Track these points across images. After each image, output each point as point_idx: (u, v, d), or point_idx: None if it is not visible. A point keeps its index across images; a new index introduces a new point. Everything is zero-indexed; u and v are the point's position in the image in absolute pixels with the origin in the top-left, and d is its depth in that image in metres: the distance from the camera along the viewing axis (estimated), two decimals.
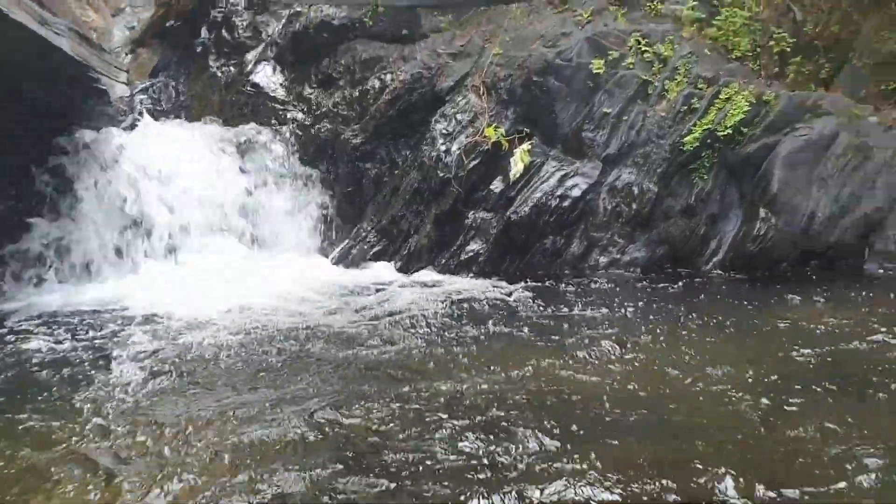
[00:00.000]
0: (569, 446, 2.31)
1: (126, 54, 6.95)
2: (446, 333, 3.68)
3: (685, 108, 4.83)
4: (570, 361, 3.14)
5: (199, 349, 3.51)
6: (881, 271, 4.43)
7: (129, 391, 2.98)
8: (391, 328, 3.79)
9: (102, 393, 2.98)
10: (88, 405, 2.83)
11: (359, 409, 2.67)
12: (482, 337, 3.60)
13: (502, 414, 2.59)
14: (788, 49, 5.27)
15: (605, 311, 3.97)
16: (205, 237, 5.17)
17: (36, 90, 4.83)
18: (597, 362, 3.14)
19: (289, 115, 6.12)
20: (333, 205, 5.73)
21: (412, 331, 3.74)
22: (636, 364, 3.11)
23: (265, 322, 3.91)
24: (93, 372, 3.24)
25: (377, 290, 4.62)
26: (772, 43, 5.28)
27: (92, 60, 5.04)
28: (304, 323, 3.89)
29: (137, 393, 2.96)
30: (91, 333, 3.86)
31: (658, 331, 3.54)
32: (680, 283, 4.52)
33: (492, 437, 2.39)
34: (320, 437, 2.45)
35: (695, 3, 5.21)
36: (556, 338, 3.52)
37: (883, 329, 3.37)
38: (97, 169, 5.17)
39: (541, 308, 4.10)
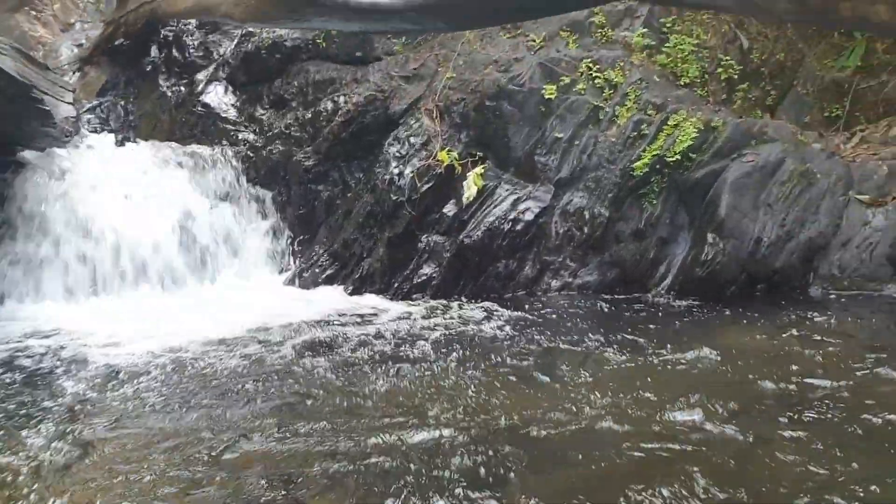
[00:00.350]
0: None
1: (73, 73, 6.80)
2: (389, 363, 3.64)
3: (635, 133, 4.89)
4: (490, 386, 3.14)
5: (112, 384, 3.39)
6: (826, 295, 4.52)
7: None
8: (329, 357, 3.74)
9: None
10: None
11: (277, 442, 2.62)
12: (419, 365, 3.56)
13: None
14: (735, 76, 5.40)
15: (549, 335, 3.98)
16: (147, 261, 5.04)
17: None
18: (521, 391, 3.15)
19: (240, 136, 6.05)
20: (285, 227, 5.67)
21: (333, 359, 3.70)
22: (564, 395, 3.11)
23: (197, 355, 3.77)
24: None
25: (325, 316, 4.55)
26: (719, 70, 5.40)
27: (37, 80, 4.91)
28: (240, 355, 3.77)
29: None
30: None
31: (593, 360, 3.56)
32: (630, 307, 4.55)
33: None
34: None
35: (644, 30, 5.30)
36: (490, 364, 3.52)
37: (819, 354, 3.46)
38: (39, 190, 5.02)
39: (487, 334, 4.10)
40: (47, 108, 4.67)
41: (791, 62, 5.57)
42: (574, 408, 2.91)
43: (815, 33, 5.58)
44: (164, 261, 5.11)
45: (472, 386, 3.23)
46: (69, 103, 5.27)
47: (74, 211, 4.95)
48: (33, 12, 12.61)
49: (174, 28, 6.57)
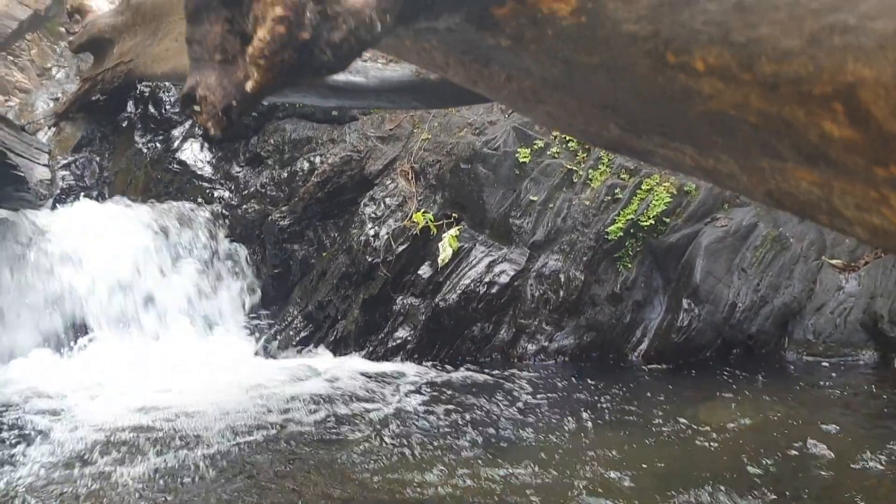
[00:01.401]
0: None
1: (49, 128, 6.76)
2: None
3: (609, 197, 4.91)
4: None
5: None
6: (801, 360, 4.53)
7: None
8: (294, 428, 3.66)
9: None
10: None
11: None
12: (385, 439, 3.50)
13: None
14: None
15: (522, 404, 3.94)
16: (116, 324, 4.95)
17: None
18: (489, 466, 3.09)
19: (216, 194, 6.02)
20: (259, 288, 5.62)
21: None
22: (533, 471, 3.06)
23: (154, 426, 3.68)
24: None
25: (296, 381, 4.48)
26: None
27: (12, 143, 4.87)
28: (196, 432, 3.67)
29: None
30: None
31: (568, 432, 3.52)
32: (606, 373, 4.53)
33: None
34: None
35: None
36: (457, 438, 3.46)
37: (797, 424, 3.44)
38: (7, 253, 4.94)
39: (460, 402, 4.04)
40: (22, 174, 4.62)
41: None
42: (544, 484, 2.85)
43: None
44: (128, 319, 5.03)
45: (437, 462, 3.17)
46: (44, 165, 5.23)
47: (35, 273, 4.87)
48: (10, 57, 12.60)
49: (151, 84, 6.56)
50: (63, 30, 13.26)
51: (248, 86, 1.15)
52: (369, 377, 4.55)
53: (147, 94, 6.63)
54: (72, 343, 4.82)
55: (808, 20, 0.75)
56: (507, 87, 1.48)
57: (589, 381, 4.42)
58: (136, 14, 5.81)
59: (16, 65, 12.70)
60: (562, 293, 4.88)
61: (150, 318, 5.08)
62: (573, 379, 4.47)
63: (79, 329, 4.90)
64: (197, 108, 1.20)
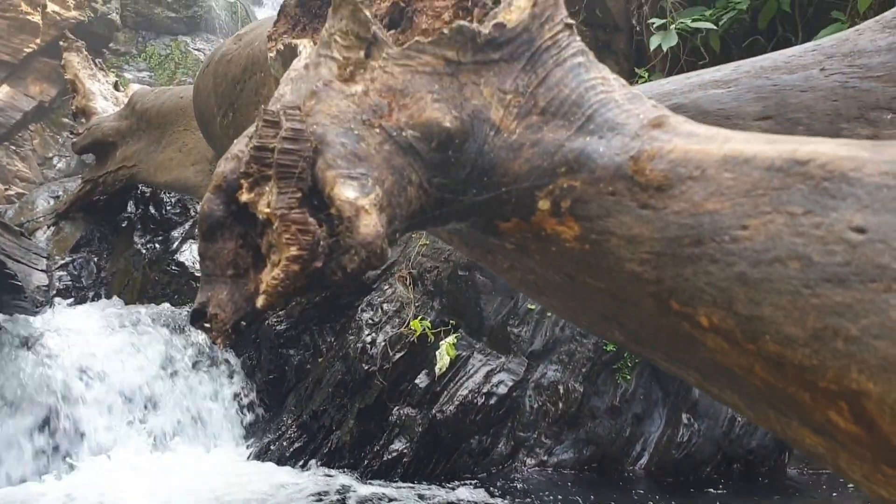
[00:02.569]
0: None
1: (48, 227, 6.82)
2: None
3: None
4: None
5: None
6: (802, 475, 4.46)
7: None
8: None
9: None
10: None
11: None
12: None
13: None
14: None
15: None
16: (104, 433, 4.87)
17: None
18: None
19: None
20: (254, 394, 5.55)
21: None
22: None
23: None
24: None
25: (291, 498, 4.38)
26: None
27: (11, 250, 4.90)
28: None
29: None
30: None
31: None
32: (606, 489, 4.44)
33: None
34: None
35: None
36: None
37: None
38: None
39: None
40: (19, 283, 4.63)
41: None
42: None
43: None
44: (116, 431, 4.95)
45: None
46: (42, 270, 5.25)
47: (25, 383, 4.82)
48: (12, 147, 12.82)
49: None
50: (66, 120, 13.56)
51: (259, 302, 1.16)
52: (359, 494, 4.46)
53: (148, 195, 6.72)
54: (65, 457, 4.73)
55: (811, 315, 0.77)
56: (511, 273, 1.50)
57: (590, 496, 4.33)
58: (141, 120, 5.94)
59: (17, 154, 12.92)
60: (561, 405, 4.83)
61: (144, 428, 5.00)
62: (573, 494, 4.38)
63: (72, 440, 4.81)
64: (207, 324, 1.21)
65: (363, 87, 1.21)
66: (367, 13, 1.24)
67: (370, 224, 1.10)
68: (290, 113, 1.16)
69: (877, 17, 2.85)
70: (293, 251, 1.05)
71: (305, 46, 1.51)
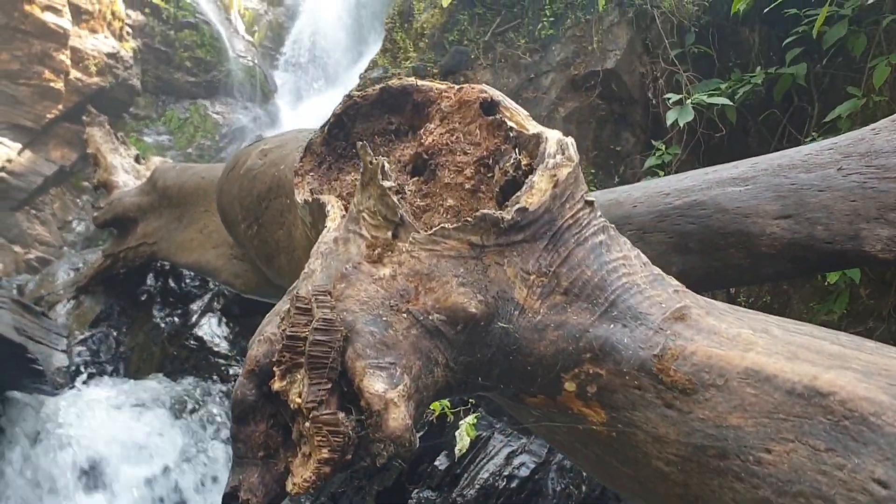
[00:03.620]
0: None
1: (68, 300, 6.89)
2: None
3: None
4: None
5: None
6: None
7: None
8: None
9: None
10: None
11: None
12: None
13: None
14: None
15: None
16: None
17: None
18: None
19: (231, 372, 6.03)
20: None
21: None
22: None
23: None
24: None
25: None
26: None
27: (32, 331, 4.96)
28: None
29: None
30: None
31: None
32: None
33: None
34: None
35: None
36: None
37: None
38: (18, 440, 4.92)
39: None
40: (40, 368, 4.67)
41: (778, 304, 5.69)
42: None
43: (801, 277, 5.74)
44: None
45: None
46: (62, 351, 5.30)
47: (38, 467, 4.83)
48: (33, 211, 13.06)
49: None
50: (86, 184, 13.82)
51: (289, 486, 1.18)
52: None
53: (168, 268, 6.79)
54: None
55: None
56: (537, 428, 1.51)
57: None
58: (163, 197, 6.03)
59: (38, 218, 13.16)
60: (584, 488, 4.76)
61: None
62: None
63: None
64: None
65: (391, 271, 1.24)
66: (395, 198, 1.28)
67: (398, 417, 1.12)
68: (321, 300, 1.19)
69: (892, 117, 2.88)
70: (325, 454, 1.07)
71: (332, 206, 1.55)
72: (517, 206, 1.25)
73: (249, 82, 13.89)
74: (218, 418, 5.64)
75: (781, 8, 5.30)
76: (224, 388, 5.87)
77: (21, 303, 5.15)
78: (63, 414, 5.12)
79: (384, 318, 1.20)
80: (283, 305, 1.30)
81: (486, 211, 1.23)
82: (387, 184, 1.29)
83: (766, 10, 5.48)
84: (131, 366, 6.24)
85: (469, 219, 1.23)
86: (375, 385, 1.13)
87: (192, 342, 6.26)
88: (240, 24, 14.53)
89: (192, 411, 5.60)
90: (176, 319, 6.50)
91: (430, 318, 1.22)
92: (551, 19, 6.04)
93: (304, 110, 13.68)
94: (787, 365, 0.92)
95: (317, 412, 1.11)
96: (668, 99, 5.57)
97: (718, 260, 3.07)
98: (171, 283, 6.71)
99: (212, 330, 6.33)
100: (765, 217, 2.98)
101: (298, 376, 1.20)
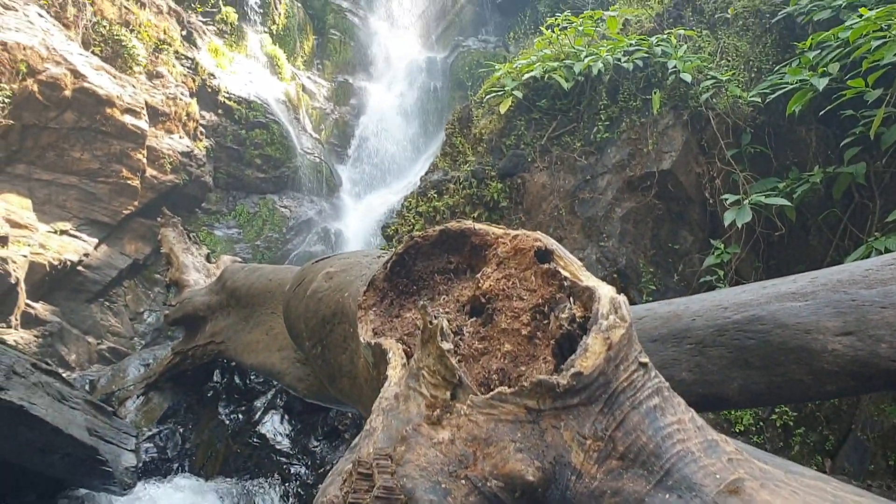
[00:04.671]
0: None
1: (138, 396, 7.09)
2: None
3: None
4: None
5: None
6: None
7: None
8: None
9: None
10: None
11: None
12: None
13: None
14: (791, 421, 5.33)
15: None
16: None
17: (35, 462, 4.83)
18: None
19: (292, 470, 6.07)
20: None
21: None
22: None
23: None
24: None
25: None
26: (774, 416, 5.35)
27: (103, 431, 5.11)
28: None
29: None
30: None
31: None
32: None
33: None
34: None
35: None
36: None
37: None
38: None
39: None
40: (110, 469, 4.79)
41: (847, 406, 5.50)
42: None
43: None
44: None
45: None
46: (131, 450, 5.42)
47: None
48: (107, 303, 13.55)
49: None
50: (158, 276, 14.32)
51: None
52: None
53: (234, 364, 6.95)
54: None
55: None
56: None
57: None
58: (231, 297, 6.24)
59: (111, 310, 13.65)
60: None
61: None
62: None
63: None
64: None
65: (450, 435, 1.29)
66: (453, 360, 1.34)
67: None
68: (381, 465, 1.25)
69: None
70: None
71: (394, 353, 1.62)
72: (572, 371, 1.29)
73: (316, 177, 14.41)
74: None
75: (838, 109, 5.33)
76: (284, 488, 5.89)
77: (94, 403, 5.33)
78: None
79: (443, 486, 1.24)
80: (345, 465, 1.36)
81: (542, 377, 1.27)
82: (445, 346, 1.36)
83: (821, 112, 5.50)
84: (196, 462, 6.34)
85: (525, 384, 1.28)
86: None
87: (255, 440, 6.33)
88: (308, 123, 15.18)
89: None
90: (240, 416, 6.61)
91: (488, 484, 1.25)
92: (606, 123, 6.16)
93: (368, 204, 14.07)
94: None
95: None
96: (726, 199, 5.58)
97: (780, 376, 3.02)
98: (237, 380, 6.85)
99: (274, 427, 6.40)
100: (826, 333, 2.94)
101: None
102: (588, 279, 1.52)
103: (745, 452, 1.22)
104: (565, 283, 1.55)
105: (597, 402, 1.29)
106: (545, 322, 1.59)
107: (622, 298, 1.41)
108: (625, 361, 1.33)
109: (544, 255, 1.66)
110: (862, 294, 2.97)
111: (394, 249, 1.98)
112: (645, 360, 1.34)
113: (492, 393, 1.30)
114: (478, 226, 1.88)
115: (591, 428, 1.27)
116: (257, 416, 6.53)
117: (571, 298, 1.52)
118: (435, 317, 1.40)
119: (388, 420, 1.37)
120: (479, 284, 1.71)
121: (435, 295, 1.90)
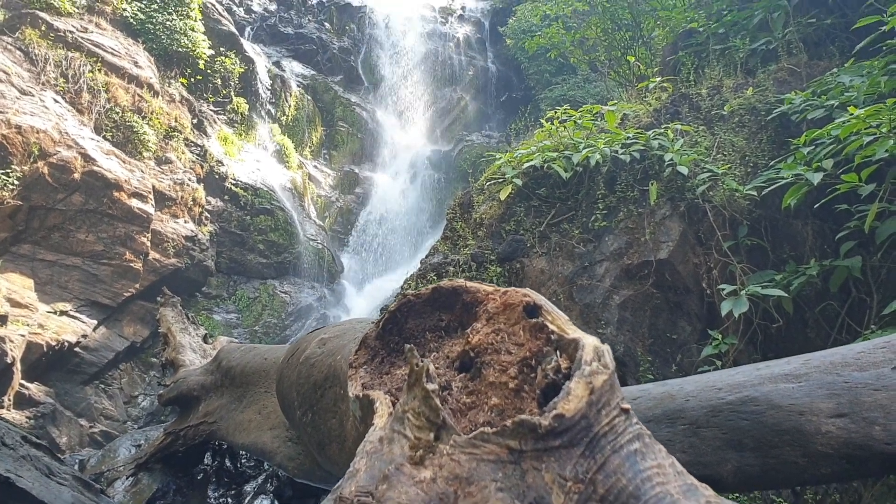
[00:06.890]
0: None
1: (127, 477, 6.94)
2: None
3: None
4: None
5: None
6: None
7: None
8: None
9: None
10: None
11: None
12: None
13: None
14: None
15: None
16: None
17: None
18: None
19: None
20: None
21: None
22: None
23: None
24: None
25: None
26: None
27: None
28: None
29: None
30: None
31: None
32: None
33: None
34: None
35: None
36: None
37: None
38: None
39: None
40: None
41: (847, 502, 5.37)
42: None
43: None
44: None
45: None
46: None
47: None
48: (102, 385, 13.41)
49: None
50: (154, 360, 14.23)
51: None
52: None
53: (225, 447, 6.83)
54: None
55: None
56: None
57: None
58: (226, 376, 6.21)
59: (105, 392, 13.48)
60: None
61: None
62: None
63: None
64: None
65: (431, 474, 1.29)
66: (438, 401, 1.35)
67: None
68: (363, 502, 1.24)
69: None
70: None
71: (381, 403, 1.63)
72: (554, 412, 1.30)
73: (318, 263, 14.52)
74: None
75: (832, 203, 5.44)
76: None
77: (82, 480, 5.22)
78: None
79: None
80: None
81: (524, 417, 1.29)
82: (430, 386, 1.37)
83: (816, 206, 5.62)
84: None
85: (507, 424, 1.29)
86: None
87: None
88: (312, 210, 15.44)
89: None
90: (230, 500, 6.45)
91: None
92: (604, 212, 6.28)
93: (368, 291, 14.13)
94: None
95: None
96: (723, 290, 5.63)
97: (774, 458, 3.00)
98: (228, 463, 6.72)
99: None
100: (819, 415, 2.94)
101: None
102: (574, 332, 1.55)
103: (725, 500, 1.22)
104: (552, 337, 1.58)
105: (578, 444, 1.30)
106: (532, 375, 1.61)
107: (606, 347, 1.44)
108: (607, 406, 1.34)
109: (532, 310, 1.69)
110: (854, 376, 2.98)
111: (387, 308, 2.02)
112: (627, 406, 1.35)
113: (474, 433, 1.31)
114: (469, 284, 1.93)
115: (572, 470, 1.28)
116: (247, 501, 6.37)
117: (558, 351, 1.54)
118: (422, 358, 1.43)
119: (371, 461, 1.38)
120: (469, 339, 1.74)
121: (426, 352, 1.92)
